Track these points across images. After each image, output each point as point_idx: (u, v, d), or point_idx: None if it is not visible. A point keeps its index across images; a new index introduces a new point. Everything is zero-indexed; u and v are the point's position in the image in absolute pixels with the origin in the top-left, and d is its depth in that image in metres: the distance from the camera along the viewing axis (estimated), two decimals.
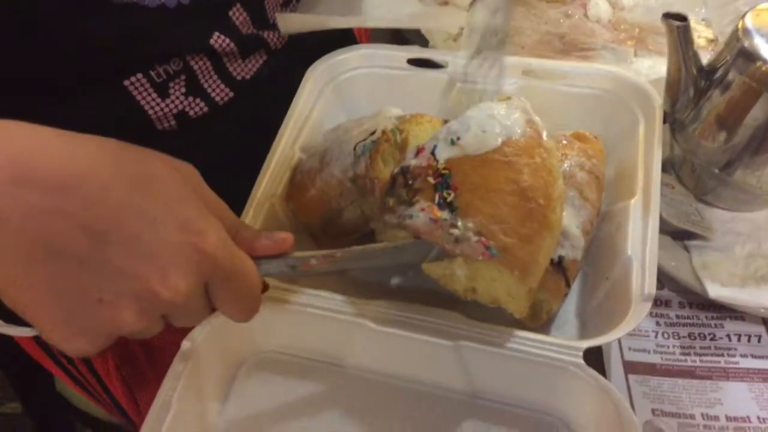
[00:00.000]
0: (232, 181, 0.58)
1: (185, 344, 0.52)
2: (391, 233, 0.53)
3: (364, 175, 0.59)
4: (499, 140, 0.51)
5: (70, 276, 0.34)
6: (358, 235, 0.63)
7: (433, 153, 0.53)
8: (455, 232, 0.48)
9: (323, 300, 0.54)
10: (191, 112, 0.66)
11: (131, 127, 0.62)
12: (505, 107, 0.54)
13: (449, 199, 0.50)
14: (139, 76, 0.62)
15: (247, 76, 0.70)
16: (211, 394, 0.56)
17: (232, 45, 0.67)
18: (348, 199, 0.61)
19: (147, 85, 0.63)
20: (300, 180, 0.63)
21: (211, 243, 0.38)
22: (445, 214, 0.49)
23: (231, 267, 0.39)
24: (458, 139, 0.52)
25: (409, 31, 0.85)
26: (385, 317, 0.53)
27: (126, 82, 0.62)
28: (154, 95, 0.63)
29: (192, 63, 0.65)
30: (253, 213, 0.59)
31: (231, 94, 0.69)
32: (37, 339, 0.76)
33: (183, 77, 0.65)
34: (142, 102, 0.63)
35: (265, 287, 0.54)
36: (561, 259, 0.56)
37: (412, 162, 0.54)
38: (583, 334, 0.58)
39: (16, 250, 0.33)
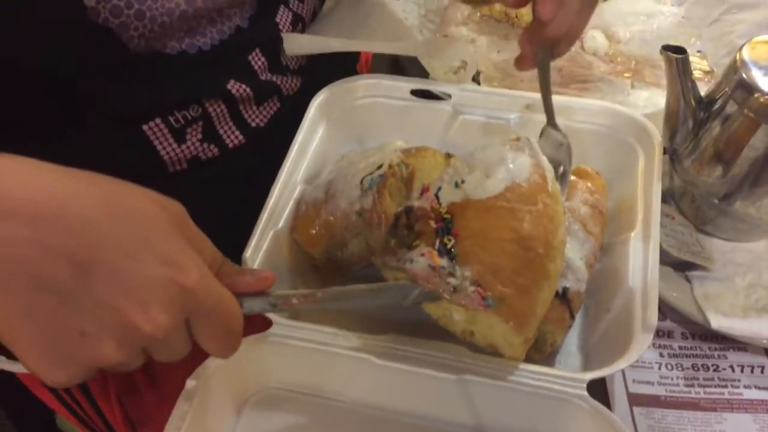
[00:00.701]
0: (236, 217, 0.59)
1: (190, 383, 0.52)
2: (391, 273, 0.53)
3: (371, 209, 0.59)
4: (503, 185, 0.51)
5: (52, 307, 0.34)
6: (361, 266, 0.63)
7: (436, 195, 0.53)
8: (453, 281, 0.49)
9: (327, 336, 0.54)
10: (203, 156, 0.67)
11: (143, 170, 0.61)
12: (511, 150, 0.53)
13: (449, 245, 0.50)
14: (158, 121, 0.62)
15: (261, 123, 0.70)
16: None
17: (248, 91, 0.67)
18: (353, 231, 0.61)
19: (165, 131, 0.63)
20: (305, 211, 0.63)
21: (192, 279, 0.38)
22: (444, 262, 0.50)
23: (212, 303, 0.39)
24: (462, 182, 0.52)
25: (410, 62, 0.86)
26: (389, 352, 0.53)
27: (144, 127, 0.62)
28: (171, 140, 0.63)
29: (210, 109, 0.65)
30: (256, 245, 0.58)
31: (243, 140, 0.69)
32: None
33: (200, 123, 0.65)
34: (159, 147, 0.63)
35: (269, 324, 0.55)
36: (566, 290, 0.56)
37: (416, 203, 0.54)
38: (587, 366, 0.58)
39: None
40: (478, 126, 0.70)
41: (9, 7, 0.49)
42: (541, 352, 0.56)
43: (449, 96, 0.71)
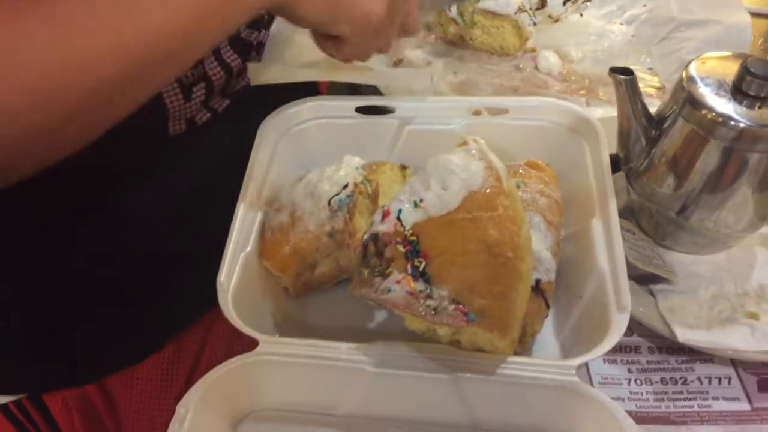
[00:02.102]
0: (225, 185, 0.64)
1: (180, 409, 0.51)
2: (373, 303, 0.54)
3: (343, 229, 0.61)
4: (460, 197, 0.53)
5: None
6: (331, 284, 0.66)
7: (399, 218, 0.53)
8: (431, 303, 0.50)
9: (317, 349, 0.54)
10: (198, 121, 0.69)
11: (147, 125, 0.63)
12: (461, 157, 0.54)
13: (421, 267, 0.51)
14: None
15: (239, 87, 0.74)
16: None
17: (239, 63, 0.71)
18: (324, 252, 0.63)
19: (175, 83, 0.64)
20: (272, 237, 0.63)
21: None
22: (420, 285, 0.50)
23: None
24: (421, 201, 0.53)
25: (367, 86, 0.87)
26: (380, 359, 0.53)
27: None
28: (179, 94, 0.65)
29: (210, 73, 0.67)
30: (227, 269, 0.59)
31: (227, 102, 0.72)
32: (2, 408, 0.74)
33: (203, 85, 0.67)
34: (166, 99, 0.64)
35: (254, 344, 0.55)
36: (538, 282, 0.57)
37: (380, 228, 0.54)
38: (564, 353, 0.59)
39: None
40: (425, 135, 0.72)
41: None
42: (523, 343, 0.57)
43: (394, 109, 0.73)
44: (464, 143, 0.56)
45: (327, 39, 0.61)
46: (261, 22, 0.78)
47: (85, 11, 0.42)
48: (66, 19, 0.42)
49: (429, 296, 0.50)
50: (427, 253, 0.51)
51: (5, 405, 0.73)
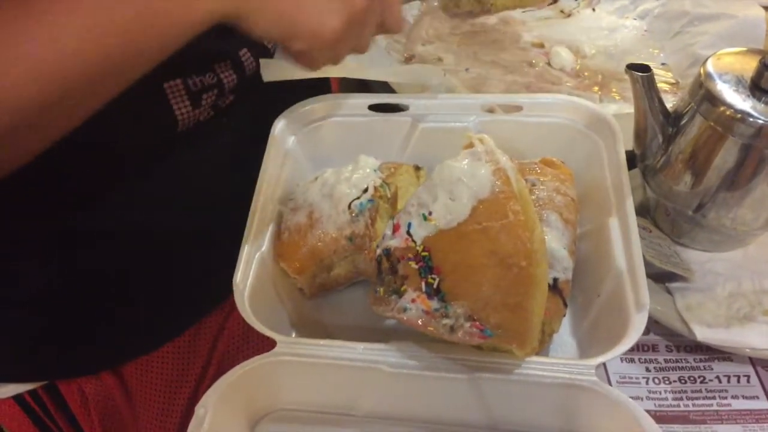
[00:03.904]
0: (237, 174, 0.65)
1: (199, 410, 0.52)
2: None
3: (364, 234, 0.61)
4: (469, 207, 0.51)
5: None
6: (346, 286, 0.66)
7: (409, 232, 0.53)
8: (447, 321, 0.49)
9: (334, 350, 0.54)
10: (202, 118, 0.69)
11: (158, 129, 0.65)
12: (468, 162, 0.53)
13: (435, 284, 0.50)
14: (179, 81, 0.64)
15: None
16: None
17: (253, 64, 0.71)
18: (341, 255, 0.62)
19: (183, 92, 0.64)
20: (289, 238, 0.63)
21: None
22: (435, 303, 0.50)
23: None
24: (430, 213, 0.52)
25: (377, 83, 0.87)
26: (398, 359, 0.53)
27: (165, 85, 0.63)
28: (187, 103, 0.65)
29: (222, 76, 0.68)
30: (243, 269, 0.59)
31: (231, 98, 0.72)
32: (18, 401, 0.74)
33: (215, 91, 0.67)
34: (175, 107, 0.65)
35: (273, 344, 0.55)
36: (556, 281, 0.57)
37: (392, 243, 0.54)
38: (582, 353, 0.59)
39: None
40: (438, 133, 0.71)
41: None
42: (542, 343, 0.57)
43: (407, 107, 0.72)
44: (470, 145, 0.55)
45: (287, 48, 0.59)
46: None
47: (2, 38, 0.42)
48: None
49: (445, 315, 0.50)
50: (440, 268, 0.51)
51: (21, 395, 0.74)
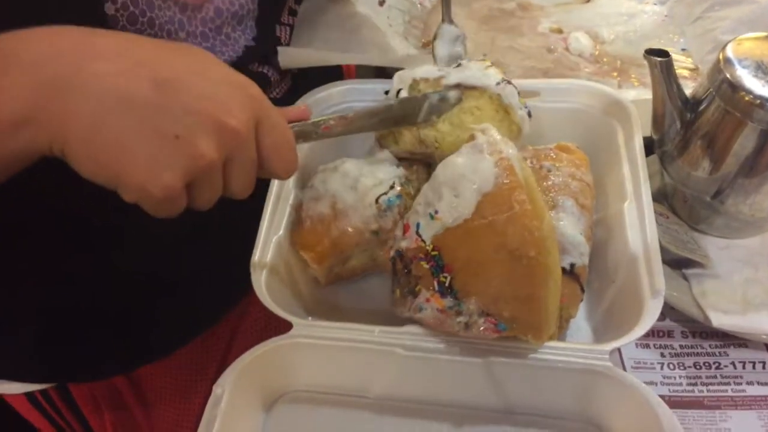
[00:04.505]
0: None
1: (216, 390, 0.53)
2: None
3: (391, 229, 0.61)
4: (474, 202, 0.51)
5: (146, 120, 0.40)
6: (359, 277, 0.66)
7: (418, 233, 0.53)
8: (462, 319, 0.50)
9: (350, 332, 0.55)
10: None
11: None
12: (470, 156, 0.53)
13: (447, 282, 0.51)
14: None
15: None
16: None
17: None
18: (362, 248, 0.63)
19: None
20: (311, 227, 0.63)
21: (257, 90, 0.45)
22: (448, 302, 0.51)
23: (275, 113, 0.46)
24: (436, 212, 0.52)
25: (395, 69, 0.87)
26: (413, 342, 0.54)
27: None
28: None
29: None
30: (261, 252, 0.60)
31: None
32: (30, 398, 0.75)
33: None
34: None
35: (289, 326, 0.56)
36: (572, 266, 0.57)
37: (403, 244, 0.55)
38: (597, 338, 0.59)
39: (96, 105, 0.40)
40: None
41: (28, 8, 0.49)
42: (561, 327, 0.57)
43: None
44: (472, 138, 0.54)
45: None
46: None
47: None
48: None
49: (459, 312, 0.50)
50: (451, 266, 0.51)
51: (32, 393, 0.75)
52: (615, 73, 0.92)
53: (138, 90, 0.40)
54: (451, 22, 0.70)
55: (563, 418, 0.55)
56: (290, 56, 0.73)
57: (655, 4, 1.01)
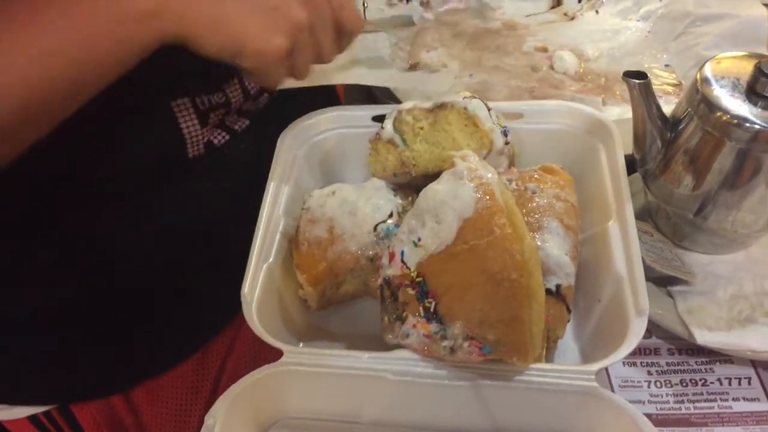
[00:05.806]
0: (248, 200, 0.66)
1: (208, 420, 0.53)
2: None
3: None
4: (455, 228, 0.52)
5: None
6: (348, 301, 0.67)
7: (403, 260, 0.54)
8: (447, 343, 0.51)
9: (339, 359, 0.56)
10: (215, 141, 0.70)
11: (166, 148, 0.67)
12: (450, 183, 0.54)
13: (432, 308, 0.52)
14: (186, 100, 0.66)
15: (260, 107, 0.76)
16: None
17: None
18: (356, 273, 0.63)
19: (191, 110, 0.66)
20: (308, 250, 0.64)
21: None
22: (433, 327, 0.51)
23: None
24: (419, 240, 0.53)
25: (381, 92, 0.88)
26: (402, 367, 0.54)
27: (173, 104, 0.65)
28: (195, 121, 0.67)
29: (230, 95, 0.69)
30: (251, 281, 0.60)
31: (247, 122, 0.74)
32: (33, 420, 0.76)
33: (222, 111, 0.69)
34: (183, 125, 0.66)
35: (279, 354, 0.56)
36: (558, 287, 0.57)
37: (389, 271, 0.55)
38: (585, 357, 0.60)
39: None
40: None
41: None
42: (549, 349, 0.58)
43: None
44: (452, 164, 0.55)
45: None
46: None
47: None
48: None
49: (444, 337, 0.51)
50: (435, 291, 0.52)
51: (35, 416, 0.75)
52: (599, 90, 0.93)
53: None
54: None
55: None
56: None
57: (638, 20, 1.02)
